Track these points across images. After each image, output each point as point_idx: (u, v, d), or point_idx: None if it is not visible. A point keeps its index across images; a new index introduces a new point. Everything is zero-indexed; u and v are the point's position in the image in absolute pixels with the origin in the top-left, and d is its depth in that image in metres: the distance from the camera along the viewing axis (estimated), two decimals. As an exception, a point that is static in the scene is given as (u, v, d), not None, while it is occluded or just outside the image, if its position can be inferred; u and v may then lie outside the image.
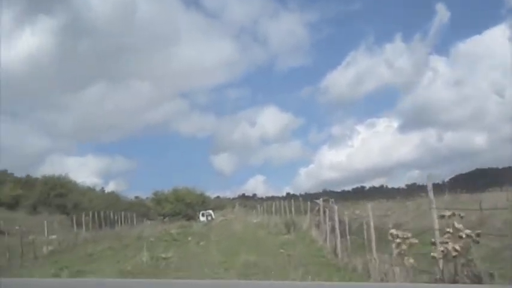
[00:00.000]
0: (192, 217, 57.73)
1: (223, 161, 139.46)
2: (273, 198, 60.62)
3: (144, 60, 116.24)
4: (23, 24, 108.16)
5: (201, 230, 33.89)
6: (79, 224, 41.95)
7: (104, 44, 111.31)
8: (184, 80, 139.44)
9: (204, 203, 63.77)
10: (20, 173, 64.40)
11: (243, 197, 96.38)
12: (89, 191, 68.82)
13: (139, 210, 68.76)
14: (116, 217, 53.96)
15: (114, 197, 72.66)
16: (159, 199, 64.95)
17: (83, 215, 43.84)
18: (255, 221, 41.37)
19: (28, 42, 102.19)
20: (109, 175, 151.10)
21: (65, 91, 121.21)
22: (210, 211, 56.90)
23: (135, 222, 55.01)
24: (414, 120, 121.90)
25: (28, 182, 64.93)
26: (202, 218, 52.90)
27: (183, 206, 61.12)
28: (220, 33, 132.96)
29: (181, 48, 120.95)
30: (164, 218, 54.45)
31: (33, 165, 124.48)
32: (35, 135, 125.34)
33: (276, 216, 40.56)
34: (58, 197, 58.28)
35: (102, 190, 77.97)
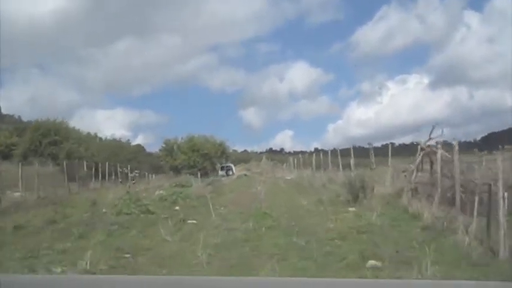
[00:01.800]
0: (209, 171, 47.63)
1: (251, 116, 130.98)
2: (301, 152, 53.65)
3: (173, 14, 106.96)
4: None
5: (202, 192, 20.46)
6: (71, 178, 35.28)
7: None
8: (214, 34, 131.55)
9: (223, 154, 51.69)
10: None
11: (271, 151, 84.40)
12: (89, 138, 57.10)
13: (152, 162, 57.68)
14: (113, 170, 43.63)
15: (117, 146, 60.34)
16: (170, 149, 52.48)
17: (75, 167, 37.86)
18: (288, 177, 28.43)
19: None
20: (138, 128, 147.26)
21: (93, 45, 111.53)
22: (231, 164, 49.40)
23: (133, 177, 43.99)
24: (445, 78, 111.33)
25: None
26: (221, 172, 45.97)
27: (199, 158, 49.00)
28: None
29: (211, 2, 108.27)
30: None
31: (65, 119, 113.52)
32: (63, 88, 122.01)
33: (319, 172, 27.12)
34: (51, 145, 48.06)
35: (128, 142, 66.84)
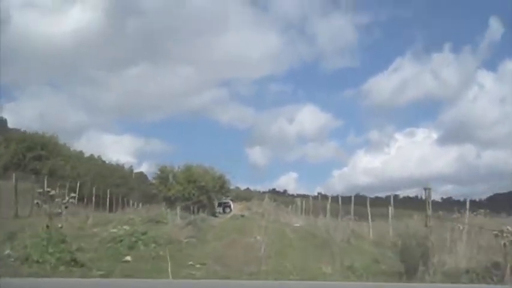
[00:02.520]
0: (203, 206, 41.98)
1: (257, 155, 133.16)
2: (304, 196, 51.44)
3: (190, 45, 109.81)
4: None
5: (178, 235, 13.89)
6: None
7: (151, 25, 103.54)
8: (228, 69, 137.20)
9: (222, 188, 45.86)
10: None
11: (274, 192, 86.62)
12: (80, 157, 51.39)
13: (145, 189, 51.80)
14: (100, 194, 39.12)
15: (111, 169, 54.47)
16: (165, 177, 46.66)
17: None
18: (297, 224, 22.23)
19: (77, 17, 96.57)
20: (144, 156, 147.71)
21: (108, 69, 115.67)
22: (230, 201, 46.20)
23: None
24: (454, 134, 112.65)
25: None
26: (218, 209, 43.40)
27: (195, 190, 43.26)
28: (269, 25, 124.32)
29: (228, 38, 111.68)
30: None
31: (71, 139, 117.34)
32: (73, 108, 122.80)
33: (334, 221, 20.81)
34: (35, 159, 43.65)
35: (131, 169, 64.45)
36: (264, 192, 67.78)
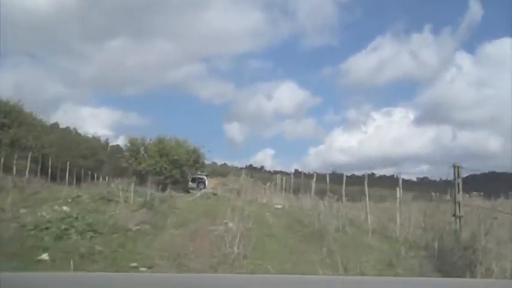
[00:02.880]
0: (176, 181, 39.92)
1: (235, 130, 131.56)
2: (281, 172, 48.01)
3: (171, 20, 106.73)
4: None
5: (128, 220, 10.67)
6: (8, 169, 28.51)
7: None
8: (208, 45, 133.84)
9: (196, 163, 42.50)
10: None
11: (251, 168, 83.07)
12: (44, 127, 47.11)
13: (117, 162, 47.92)
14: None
15: (80, 141, 50.22)
16: (136, 150, 43.27)
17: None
18: (279, 206, 19.18)
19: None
20: (121, 129, 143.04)
21: (87, 40, 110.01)
22: (204, 176, 41.91)
23: (79, 180, 36.34)
24: (431, 115, 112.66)
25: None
26: (191, 184, 40.21)
27: (167, 164, 40.18)
28: (250, 2, 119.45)
29: (209, 13, 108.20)
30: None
31: (47, 111, 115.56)
32: (51, 80, 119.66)
33: (319, 201, 17.61)
34: None
35: (107, 142, 60.18)
36: (241, 168, 65.35)
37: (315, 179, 22.15)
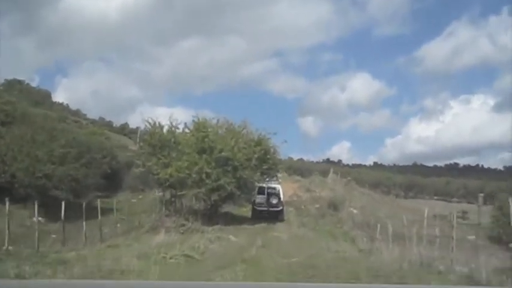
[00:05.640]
0: (229, 195, 24.07)
1: (309, 124, 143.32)
2: (359, 166, 53.42)
3: (240, 17, 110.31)
4: (123, -25, 78.58)
5: None
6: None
7: (200, -2, 75.79)
8: (278, 39, 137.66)
9: (266, 160, 25.11)
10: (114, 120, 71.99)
11: (328, 161, 79.83)
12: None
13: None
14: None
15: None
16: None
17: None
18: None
19: (126, -8, 66.59)
20: None
21: (158, 43, 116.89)
22: (277, 185, 27.43)
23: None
24: None
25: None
26: (258, 200, 26.56)
27: (212, 166, 23.22)
28: None
29: (279, 8, 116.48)
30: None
31: (124, 113, 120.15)
32: (126, 84, 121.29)
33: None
34: None
35: None
36: (317, 163, 65.99)
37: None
